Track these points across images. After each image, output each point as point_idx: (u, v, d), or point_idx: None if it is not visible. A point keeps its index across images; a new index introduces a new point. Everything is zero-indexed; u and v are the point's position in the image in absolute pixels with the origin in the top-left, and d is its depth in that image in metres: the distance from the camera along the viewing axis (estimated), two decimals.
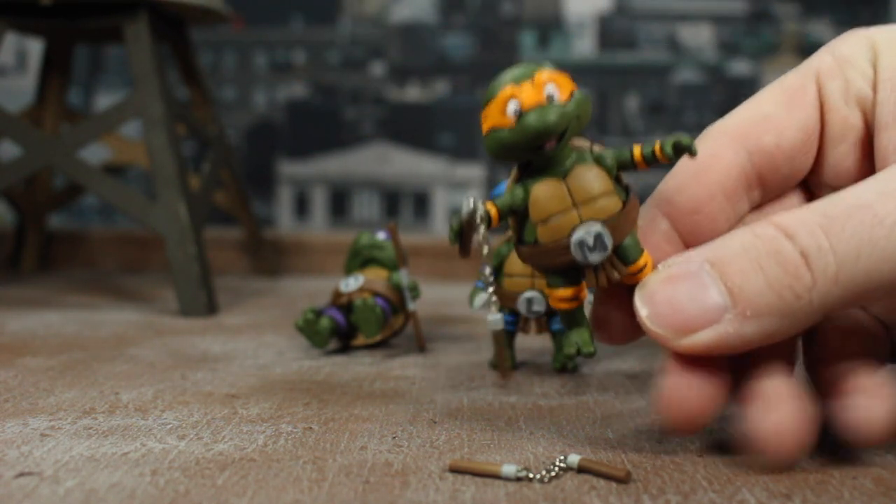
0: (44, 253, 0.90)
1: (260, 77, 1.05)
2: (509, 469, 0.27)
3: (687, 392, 0.28)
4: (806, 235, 0.26)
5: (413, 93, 1.04)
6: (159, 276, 0.87)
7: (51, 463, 0.28)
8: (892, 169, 0.27)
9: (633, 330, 0.30)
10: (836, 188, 0.32)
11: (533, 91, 0.27)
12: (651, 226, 0.31)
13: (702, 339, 0.27)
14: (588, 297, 0.30)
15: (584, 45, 1.01)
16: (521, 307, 0.41)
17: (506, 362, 0.30)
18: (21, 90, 1.03)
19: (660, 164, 0.28)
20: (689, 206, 0.31)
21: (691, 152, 0.27)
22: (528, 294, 0.41)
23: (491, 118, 0.27)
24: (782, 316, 0.26)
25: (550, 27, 1.01)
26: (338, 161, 1.04)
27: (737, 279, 0.27)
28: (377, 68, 1.04)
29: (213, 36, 1.04)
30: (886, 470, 0.28)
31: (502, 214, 0.28)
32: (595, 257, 0.27)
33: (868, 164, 0.31)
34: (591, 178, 0.28)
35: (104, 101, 1.05)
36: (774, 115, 0.32)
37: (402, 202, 1.04)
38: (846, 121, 0.31)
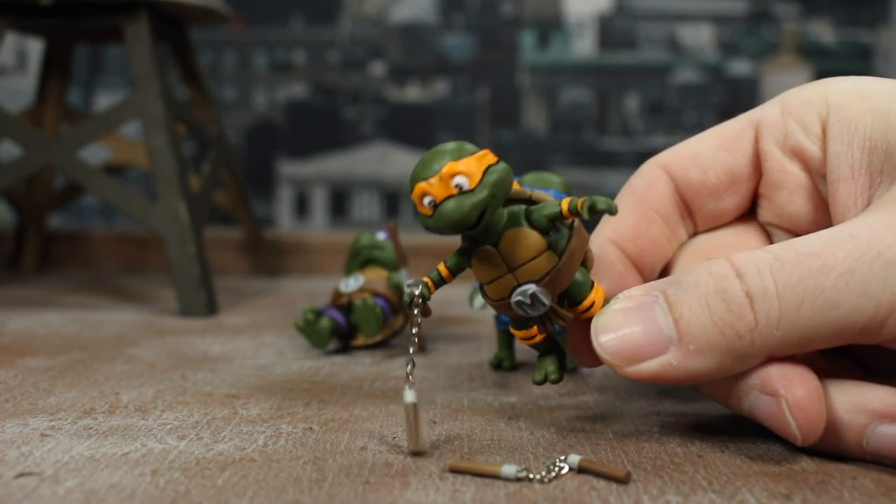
0: (44, 253, 0.90)
1: (260, 77, 1.05)
2: (509, 469, 0.27)
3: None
4: (755, 276, 0.27)
5: (413, 93, 1.04)
6: (159, 276, 0.87)
7: (51, 463, 0.28)
8: (847, 224, 0.27)
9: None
10: (786, 230, 0.34)
11: (441, 186, 0.28)
12: (603, 252, 0.34)
13: (647, 368, 0.28)
14: None
15: (584, 45, 1.01)
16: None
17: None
18: (21, 90, 1.03)
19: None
20: (630, 233, 0.34)
21: (611, 212, 0.29)
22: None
23: (417, 205, 0.29)
24: (724, 354, 0.27)
25: (550, 27, 1.01)
26: (338, 161, 1.04)
27: (685, 313, 0.28)
28: (377, 68, 1.04)
29: (213, 36, 1.04)
30: (886, 470, 0.28)
31: (454, 272, 0.31)
32: (535, 312, 0.30)
33: (816, 213, 0.32)
34: (523, 244, 0.29)
35: (104, 101, 1.05)
36: (703, 154, 0.34)
37: (402, 202, 1.04)
38: (783, 168, 0.33)
